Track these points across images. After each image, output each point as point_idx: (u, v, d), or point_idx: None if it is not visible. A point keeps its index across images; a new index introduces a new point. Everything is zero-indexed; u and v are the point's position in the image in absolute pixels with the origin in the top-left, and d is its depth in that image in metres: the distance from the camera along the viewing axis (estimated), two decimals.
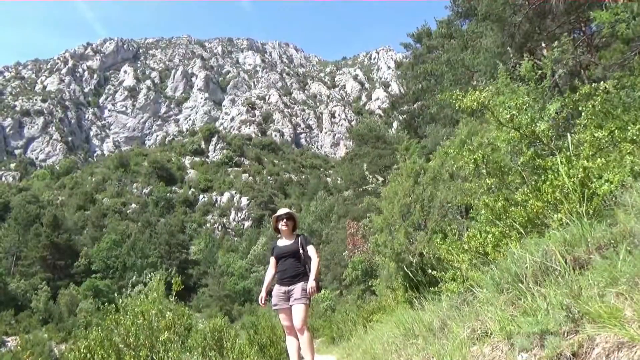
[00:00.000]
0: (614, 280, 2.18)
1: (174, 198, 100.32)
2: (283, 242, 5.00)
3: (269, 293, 4.98)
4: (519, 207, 4.15)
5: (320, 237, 42.45)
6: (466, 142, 6.93)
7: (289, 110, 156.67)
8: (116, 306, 5.47)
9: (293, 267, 4.80)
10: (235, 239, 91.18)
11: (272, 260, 5.02)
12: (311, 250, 4.87)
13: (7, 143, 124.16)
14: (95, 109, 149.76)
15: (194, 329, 7.69)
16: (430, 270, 6.29)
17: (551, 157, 4.22)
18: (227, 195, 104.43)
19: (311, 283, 4.64)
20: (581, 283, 2.39)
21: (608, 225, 2.91)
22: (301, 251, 4.86)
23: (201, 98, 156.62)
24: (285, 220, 4.99)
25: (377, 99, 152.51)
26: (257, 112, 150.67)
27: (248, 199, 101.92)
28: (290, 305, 4.70)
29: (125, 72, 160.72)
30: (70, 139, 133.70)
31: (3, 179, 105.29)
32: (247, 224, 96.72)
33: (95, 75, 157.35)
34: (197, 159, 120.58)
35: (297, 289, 4.70)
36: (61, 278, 58.28)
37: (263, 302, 4.84)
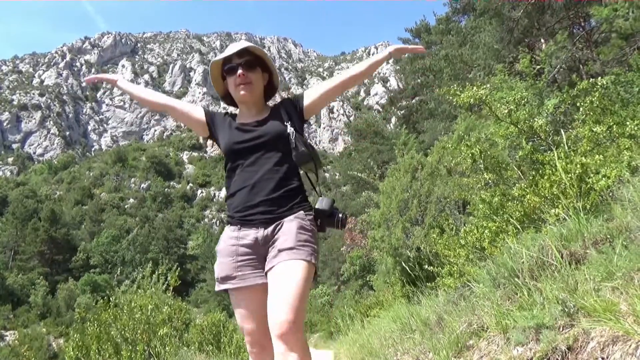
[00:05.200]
0: (610, 275, 2.19)
1: (172, 193, 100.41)
2: (244, 117, 2.20)
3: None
4: (516, 202, 4.16)
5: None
6: (464, 138, 6.94)
7: None
8: (109, 300, 5.46)
9: (275, 178, 2.05)
10: None
11: (188, 107, 2.30)
12: (314, 91, 2.23)
13: (4, 137, 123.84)
14: (93, 103, 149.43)
15: (192, 323, 7.72)
16: (427, 266, 6.30)
17: (549, 152, 4.22)
18: (225, 190, 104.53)
19: (395, 47, 2.23)
20: (577, 278, 2.39)
21: (605, 220, 2.92)
22: (290, 132, 2.08)
23: (199, 93, 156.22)
24: (243, 68, 2.11)
25: (376, 94, 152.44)
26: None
27: None
28: (267, 272, 1.96)
29: (123, 66, 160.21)
30: (68, 133, 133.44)
31: (0, 173, 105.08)
32: None
33: (93, 70, 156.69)
34: (195, 154, 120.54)
35: (285, 229, 1.99)
36: (59, 273, 58.32)
37: (86, 78, 2.52)
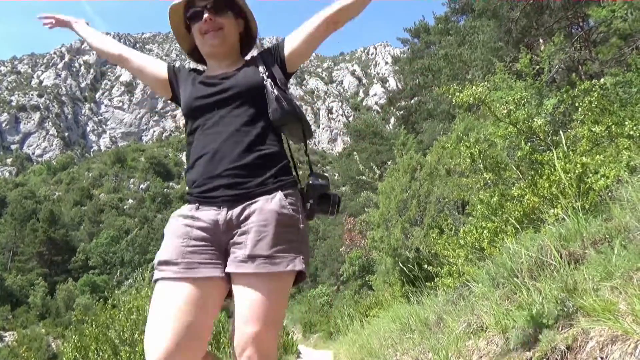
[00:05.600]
0: (609, 275, 2.19)
1: (171, 194, 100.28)
2: (213, 72, 1.73)
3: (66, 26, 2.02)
4: (515, 202, 4.16)
5: (317, 233, 42.49)
6: (463, 138, 6.94)
7: None
8: (106, 302, 5.46)
9: (244, 141, 1.57)
10: None
11: (148, 60, 1.86)
12: (297, 36, 1.70)
13: (3, 138, 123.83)
14: (92, 104, 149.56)
15: None
16: (426, 266, 6.31)
17: (548, 152, 4.23)
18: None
19: None
20: (576, 277, 2.39)
21: (603, 220, 2.92)
22: (266, 83, 1.63)
23: None
24: (210, 12, 1.65)
25: (375, 94, 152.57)
26: None
27: None
28: (231, 275, 1.49)
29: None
30: (66, 134, 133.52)
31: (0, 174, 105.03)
32: None
33: (91, 70, 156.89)
34: None
35: (258, 221, 1.48)
36: (58, 273, 58.27)
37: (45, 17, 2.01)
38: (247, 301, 1.43)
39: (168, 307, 1.42)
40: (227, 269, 1.47)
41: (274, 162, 1.58)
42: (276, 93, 1.60)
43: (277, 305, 1.47)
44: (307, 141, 1.73)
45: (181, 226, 1.53)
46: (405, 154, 9.36)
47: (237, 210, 1.51)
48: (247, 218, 1.49)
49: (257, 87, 1.61)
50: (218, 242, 1.51)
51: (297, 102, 1.65)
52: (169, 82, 1.78)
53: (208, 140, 1.58)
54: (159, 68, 1.81)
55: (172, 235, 1.53)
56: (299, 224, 1.55)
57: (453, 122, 11.91)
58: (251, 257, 1.44)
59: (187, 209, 1.57)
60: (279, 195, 1.52)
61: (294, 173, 1.67)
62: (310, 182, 1.63)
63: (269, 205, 1.49)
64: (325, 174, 1.69)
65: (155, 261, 1.52)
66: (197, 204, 1.55)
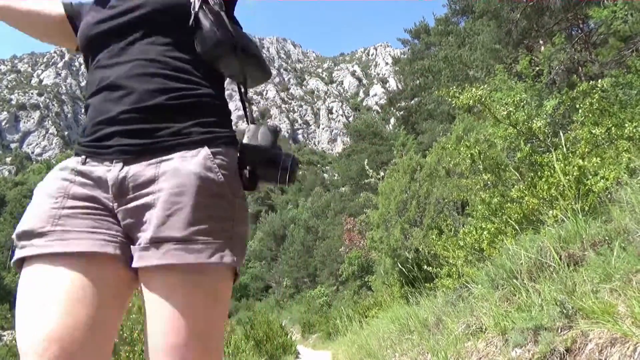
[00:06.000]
0: (608, 277, 2.19)
1: None
2: None
3: None
4: (514, 203, 4.16)
5: (316, 233, 42.46)
6: (462, 139, 6.95)
7: (287, 105, 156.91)
8: None
9: (156, 75, 1.03)
10: None
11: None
12: None
13: (2, 137, 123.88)
14: None
15: None
16: (426, 266, 6.31)
17: (547, 154, 4.23)
18: None
19: None
20: (575, 279, 2.39)
21: (603, 222, 2.92)
22: (195, 0, 1.08)
23: None
24: None
25: (375, 95, 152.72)
26: (254, 108, 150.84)
27: None
28: (139, 272, 0.97)
29: None
30: (66, 133, 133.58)
31: None
32: None
33: None
34: None
35: (170, 187, 0.95)
36: None
37: None
38: (156, 312, 0.94)
39: (37, 301, 0.94)
40: (135, 262, 0.95)
41: (202, 108, 1.06)
42: (202, 15, 1.08)
43: (205, 316, 0.95)
44: (248, 79, 1.18)
45: (56, 180, 1.03)
46: (405, 155, 9.36)
47: (137, 167, 0.99)
48: (151, 182, 0.98)
49: (178, 6, 1.10)
50: (110, 210, 1.00)
51: (238, 27, 1.20)
52: (70, 23, 1.23)
53: (106, 73, 1.06)
54: (51, 7, 1.24)
55: (41, 194, 1.03)
56: (232, 196, 1.02)
57: (453, 122, 11.92)
58: (155, 242, 0.93)
59: (72, 161, 1.07)
60: (204, 152, 1.00)
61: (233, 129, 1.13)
62: (246, 142, 1.10)
63: (187, 164, 0.98)
64: (268, 127, 1.12)
65: (17, 232, 1.03)
66: (84, 156, 1.05)
